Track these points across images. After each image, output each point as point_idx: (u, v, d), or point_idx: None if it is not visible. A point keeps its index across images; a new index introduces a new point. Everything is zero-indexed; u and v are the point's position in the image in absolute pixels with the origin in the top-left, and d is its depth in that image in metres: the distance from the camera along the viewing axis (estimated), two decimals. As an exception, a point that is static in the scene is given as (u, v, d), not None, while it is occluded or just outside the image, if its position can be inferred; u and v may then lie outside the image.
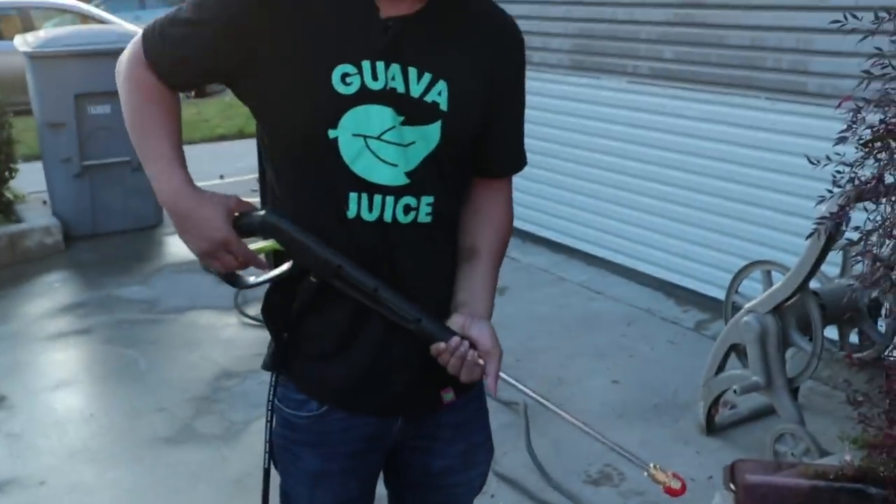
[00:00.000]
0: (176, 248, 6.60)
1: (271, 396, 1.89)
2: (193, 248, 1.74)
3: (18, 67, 7.24)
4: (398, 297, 1.70)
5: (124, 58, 1.80)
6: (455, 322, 1.74)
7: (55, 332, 5.26)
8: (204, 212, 1.71)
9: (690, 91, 5.05)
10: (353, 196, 1.72)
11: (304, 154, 1.74)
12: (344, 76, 1.67)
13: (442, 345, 1.69)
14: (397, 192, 1.72)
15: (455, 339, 1.69)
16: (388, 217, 1.73)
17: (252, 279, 1.81)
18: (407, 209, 1.74)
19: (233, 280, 1.81)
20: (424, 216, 1.76)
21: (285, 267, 1.75)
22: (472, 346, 1.71)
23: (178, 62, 1.74)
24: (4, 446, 4.03)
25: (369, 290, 1.69)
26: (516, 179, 1.96)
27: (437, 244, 1.83)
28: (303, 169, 1.76)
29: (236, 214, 1.73)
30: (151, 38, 1.74)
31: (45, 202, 6.95)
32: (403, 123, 1.71)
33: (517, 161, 1.94)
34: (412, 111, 1.71)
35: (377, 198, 1.72)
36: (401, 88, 1.70)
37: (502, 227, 1.91)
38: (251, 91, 1.75)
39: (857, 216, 3.00)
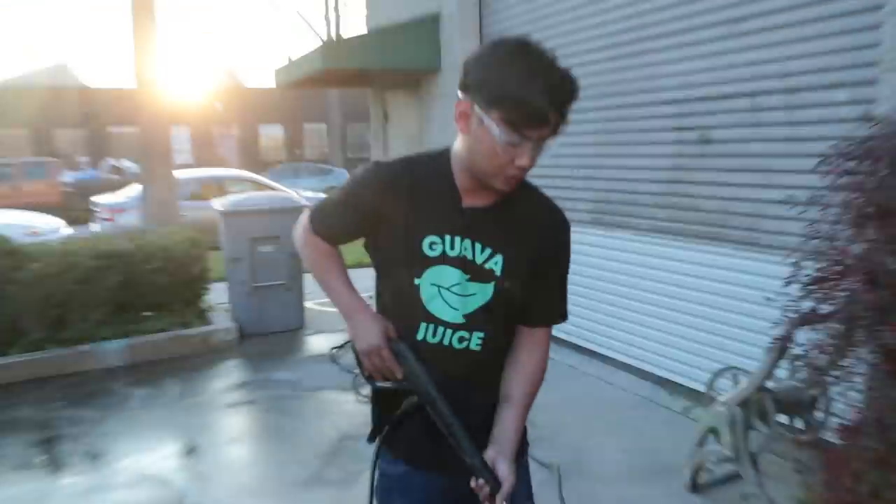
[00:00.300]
0: (312, 344, 6.69)
1: (375, 457, 1.90)
2: (357, 346, 1.81)
3: (212, 218, 7.50)
4: (465, 435, 1.71)
5: (299, 230, 1.95)
6: (488, 454, 1.74)
7: (231, 402, 5.31)
8: (369, 324, 1.79)
9: (677, 242, 5.04)
10: (423, 325, 1.79)
11: (397, 291, 1.82)
12: (431, 244, 1.75)
13: (475, 483, 1.70)
14: (455, 327, 1.78)
15: (481, 482, 1.70)
16: (446, 342, 1.79)
17: (379, 383, 1.82)
18: (461, 339, 1.79)
19: (369, 378, 1.84)
20: (475, 345, 1.80)
21: (402, 384, 1.78)
22: (496, 477, 1.70)
23: (334, 231, 1.89)
24: (196, 483, 4.06)
25: (447, 423, 1.72)
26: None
27: (485, 369, 1.83)
28: (394, 301, 1.84)
29: (390, 336, 1.78)
30: (315, 217, 1.90)
31: (227, 310, 7.09)
32: (468, 280, 1.76)
33: (554, 316, 1.89)
34: (475, 272, 1.76)
35: (440, 328, 1.78)
36: (469, 256, 1.76)
37: (534, 377, 1.85)
38: (372, 242, 1.84)
39: (801, 335, 2.97)
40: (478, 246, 1.75)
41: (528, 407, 1.85)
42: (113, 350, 6.10)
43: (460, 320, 1.78)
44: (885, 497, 2.61)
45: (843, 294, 2.76)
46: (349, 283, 1.88)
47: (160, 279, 6.45)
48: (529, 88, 1.57)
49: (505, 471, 1.72)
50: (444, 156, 1.78)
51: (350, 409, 5.05)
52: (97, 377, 5.83)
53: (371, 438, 1.94)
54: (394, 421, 1.81)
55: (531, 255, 1.78)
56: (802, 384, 3.53)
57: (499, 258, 1.76)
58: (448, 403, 1.73)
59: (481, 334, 1.79)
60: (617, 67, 5.45)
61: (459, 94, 1.68)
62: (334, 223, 1.88)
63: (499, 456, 1.74)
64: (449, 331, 1.79)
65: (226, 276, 7.02)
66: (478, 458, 1.71)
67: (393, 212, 1.76)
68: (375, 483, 1.94)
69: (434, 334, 1.79)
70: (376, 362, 1.78)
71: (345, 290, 1.86)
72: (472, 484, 1.71)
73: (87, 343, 6.06)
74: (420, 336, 1.80)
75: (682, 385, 5.01)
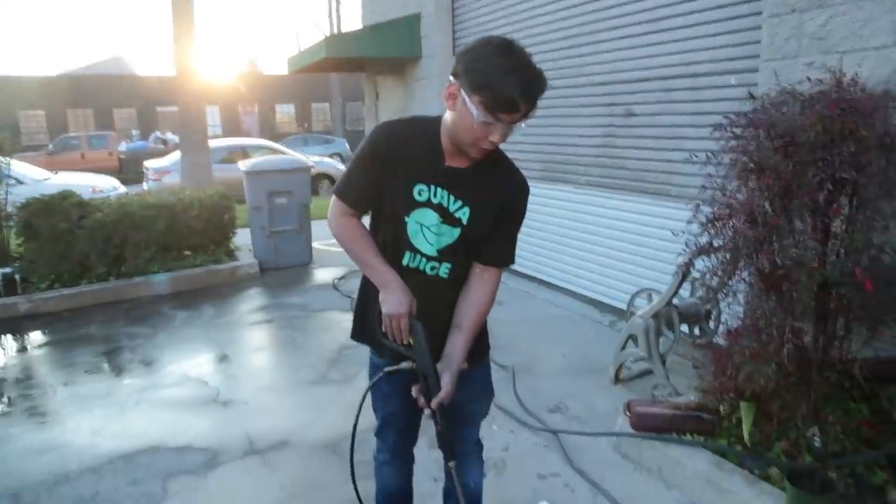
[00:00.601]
0: (319, 276, 6.66)
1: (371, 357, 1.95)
2: (384, 309, 1.76)
3: (238, 178, 7.39)
4: (439, 403, 1.73)
5: (331, 218, 1.86)
6: (439, 367, 1.75)
7: (253, 321, 5.30)
8: (400, 296, 1.74)
9: (608, 193, 5.05)
10: (407, 253, 1.80)
11: (390, 226, 1.81)
12: (419, 191, 1.75)
13: (415, 390, 1.75)
14: (429, 258, 1.80)
15: (414, 393, 1.75)
16: (422, 268, 1.81)
17: (390, 342, 1.80)
18: (433, 268, 1.81)
19: (383, 334, 1.80)
20: (443, 273, 1.82)
21: (405, 350, 1.77)
22: (438, 380, 1.73)
23: (358, 194, 1.81)
24: (227, 382, 4.07)
25: (430, 391, 1.73)
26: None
27: (449, 290, 1.84)
28: (388, 233, 1.83)
29: (412, 312, 1.75)
30: (340, 191, 1.82)
31: (250, 250, 7.02)
32: (442, 223, 1.77)
33: (504, 259, 1.86)
34: (447, 218, 1.77)
35: (418, 256, 1.80)
36: (445, 204, 1.76)
37: (481, 309, 1.84)
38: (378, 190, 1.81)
39: (699, 263, 3.01)
40: (452, 198, 1.76)
41: (474, 332, 1.84)
42: (160, 281, 6.06)
43: (434, 253, 1.80)
44: (756, 381, 2.70)
45: (730, 231, 2.81)
46: (382, 258, 1.80)
47: (197, 225, 6.41)
48: (506, 82, 1.56)
49: (446, 382, 1.75)
50: (435, 123, 1.76)
51: (348, 326, 4.89)
52: (148, 302, 5.80)
53: (353, 336, 2.01)
54: (391, 372, 1.80)
55: (493, 210, 1.78)
56: (699, 300, 3.61)
57: (466, 210, 1.77)
58: (438, 380, 1.73)
59: (449, 265, 1.82)
60: (562, 56, 5.38)
61: (451, 78, 1.66)
62: (356, 186, 1.80)
63: (445, 370, 1.77)
64: (424, 260, 1.81)
65: (249, 222, 6.94)
66: (438, 407, 1.73)
67: (394, 161, 1.74)
68: (368, 370, 2.01)
69: (414, 261, 1.82)
70: (394, 326, 1.75)
71: (380, 265, 1.79)
72: (413, 392, 1.75)
73: (140, 276, 6.02)
74: (405, 262, 1.82)
75: (609, 305, 5.07)
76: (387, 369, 1.79)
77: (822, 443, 2.67)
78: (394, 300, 1.74)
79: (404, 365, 1.77)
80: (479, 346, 1.95)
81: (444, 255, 1.80)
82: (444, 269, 1.82)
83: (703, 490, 2.72)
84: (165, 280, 6.08)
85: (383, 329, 1.78)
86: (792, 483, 2.41)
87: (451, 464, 1.81)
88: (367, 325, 1.91)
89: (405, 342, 1.76)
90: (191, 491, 2.91)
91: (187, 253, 6.44)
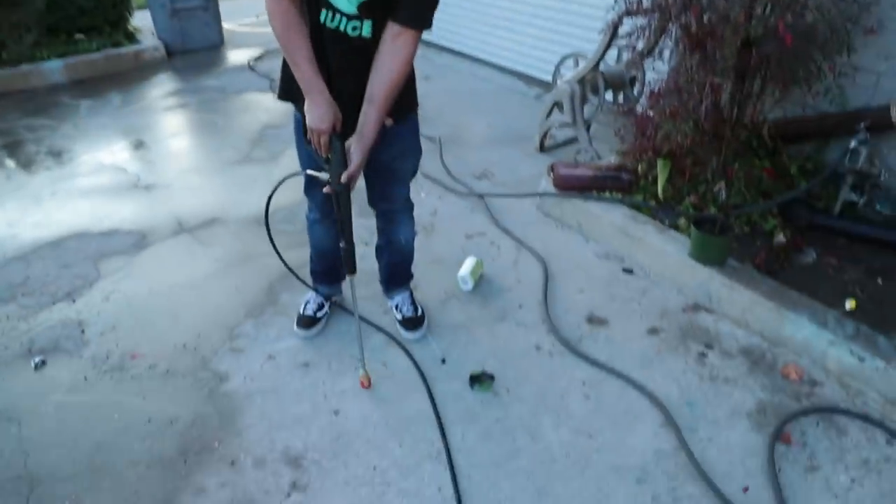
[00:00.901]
0: (233, 58, 6.22)
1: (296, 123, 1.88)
2: (307, 120, 1.73)
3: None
4: (348, 217, 1.83)
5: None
6: (352, 139, 1.77)
7: (167, 106, 5.00)
8: (324, 110, 1.72)
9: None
10: (324, 11, 1.69)
11: None
12: None
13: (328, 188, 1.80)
14: (348, 16, 1.68)
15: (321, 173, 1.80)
16: (342, 29, 1.70)
17: (312, 149, 1.81)
18: (354, 28, 1.70)
19: (308, 139, 1.80)
20: (366, 33, 1.71)
21: (323, 162, 1.80)
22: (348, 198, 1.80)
23: None
24: (147, 168, 3.92)
25: (342, 210, 1.80)
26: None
27: (369, 52, 1.73)
28: None
29: (335, 128, 1.73)
30: None
31: (153, 32, 6.39)
32: None
33: (420, 18, 1.69)
34: None
35: (337, 16, 1.68)
36: None
37: (395, 77, 1.72)
38: None
39: (628, 25, 2.95)
40: None
41: (388, 104, 1.76)
42: (53, 69, 5.48)
43: (353, 11, 1.68)
44: (673, 139, 2.82)
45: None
46: (314, 64, 1.69)
47: (84, 3, 5.70)
48: None
49: (357, 156, 1.76)
50: None
51: (269, 106, 4.86)
52: (44, 93, 5.30)
53: (279, 96, 1.95)
54: (312, 176, 1.83)
55: None
56: (626, 67, 3.62)
57: None
58: (348, 198, 1.78)
59: (369, 23, 1.70)
60: None
61: None
62: None
63: (356, 144, 1.76)
64: (344, 19, 1.69)
65: (147, 2, 6.22)
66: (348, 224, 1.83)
67: None
68: (295, 127, 1.99)
69: (332, 20, 1.69)
70: (315, 138, 1.74)
71: (310, 71, 1.68)
72: (326, 189, 1.78)
73: (27, 63, 5.40)
74: (322, 20, 1.69)
75: (536, 78, 5.03)
76: (308, 172, 1.81)
77: (727, 196, 2.89)
78: (316, 114, 1.70)
79: (322, 176, 1.78)
80: (406, 100, 1.90)
81: (364, 12, 1.67)
82: (367, 29, 1.70)
83: (618, 240, 2.94)
84: (59, 67, 5.51)
85: (308, 136, 1.78)
86: (696, 228, 2.63)
87: (351, 277, 1.92)
88: (292, 86, 1.83)
89: (324, 156, 1.77)
90: (125, 268, 2.93)
91: (80, 37, 5.79)
